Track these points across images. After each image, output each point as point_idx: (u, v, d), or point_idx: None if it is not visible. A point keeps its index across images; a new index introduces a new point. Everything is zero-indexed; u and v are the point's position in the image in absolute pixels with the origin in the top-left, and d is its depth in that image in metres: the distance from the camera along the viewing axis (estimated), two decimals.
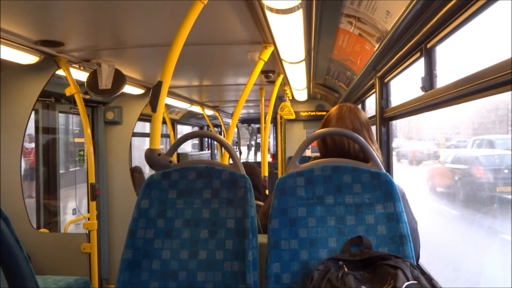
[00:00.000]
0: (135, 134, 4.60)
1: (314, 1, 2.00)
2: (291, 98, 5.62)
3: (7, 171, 2.80)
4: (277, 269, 1.38)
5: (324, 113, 6.66)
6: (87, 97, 3.23)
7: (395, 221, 1.37)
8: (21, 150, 2.83)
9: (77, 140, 3.80)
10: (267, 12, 1.94)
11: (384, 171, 1.45)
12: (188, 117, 7.10)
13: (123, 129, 4.20)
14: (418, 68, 2.22)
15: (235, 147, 10.13)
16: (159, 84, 1.57)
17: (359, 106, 4.75)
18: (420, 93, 2.16)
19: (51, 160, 3.82)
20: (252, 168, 2.95)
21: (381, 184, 1.41)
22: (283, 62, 3.09)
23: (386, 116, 2.98)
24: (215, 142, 9.09)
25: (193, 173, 1.56)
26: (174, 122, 6.64)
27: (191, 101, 5.62)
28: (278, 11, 1.89)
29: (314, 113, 6.77)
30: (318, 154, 1.71)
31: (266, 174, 3.65)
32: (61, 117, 4.05)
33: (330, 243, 1.39)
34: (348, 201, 1.42)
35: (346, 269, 1.22)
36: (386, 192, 1.40)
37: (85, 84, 2.92)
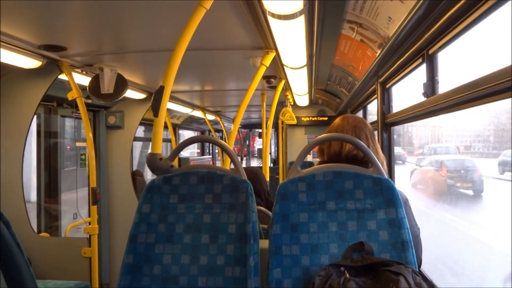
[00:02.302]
0: (136, 139, 4.61)
1: (316, 7, 2.01)
2: (292, 103, 5.62)
3: (8, 175, 2.80)
4: (278, 274, 1.37)
5: (326, 118, 6.67)
6: (89, 101, 3.24)
7: (397, 227, 1.37)
8: (23, 154, 2.83)
9: (78, 144, 3.80)
10: (269, 18, 1.95)
11: (386, 176, 1.45)
12: (189, 122, 7.11)
13: (124, 133, 4.20)
14: (420, 74, 2.23)
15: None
16: (161, 88, 1.57)
17: (361, 111, 4.77)
18: (422, 99, 2.16)
19: (52, 164, 3.82)
20: (255, 173, 2.95)
21: (383, 189, 1.41)
22: (284, 67, 3.10)
23: (387, 122, 2.98)
24: (216, 147, 9.10)
25: (195, 178, 1.56)
26: (175, 127, 6.65)
27: (193, 106, 5.63)
28: (280, 17, 1.90)
29: (315, 118, 6.78)
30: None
31: (268, 179, 3.65)
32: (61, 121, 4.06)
33: (332, 248, 1.38)
34: (349, 206, 1.42)
35: (347, 275, 1.22)
36: (388, 197, 1.40)
37: (87, 88, 2.92)
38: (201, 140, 5.64)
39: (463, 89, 1.63)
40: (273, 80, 3.57)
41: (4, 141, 2.81)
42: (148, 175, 5.94)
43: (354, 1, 2.04)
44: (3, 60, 2.33)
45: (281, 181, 5.39)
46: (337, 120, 1.78)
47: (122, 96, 2.95)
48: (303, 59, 2.87)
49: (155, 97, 1.58)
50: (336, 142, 1.66)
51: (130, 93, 3.67)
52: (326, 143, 1.68)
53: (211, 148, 10.33)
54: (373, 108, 4.14)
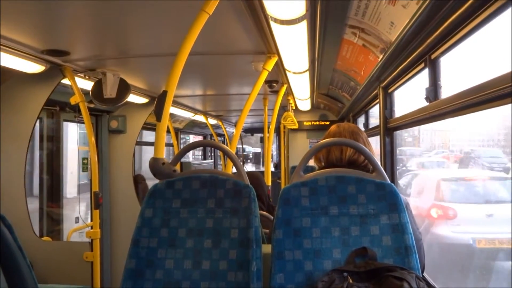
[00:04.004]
0: (138, 143, 4.62)
1: (318, 12, 2.01)
2: (294, 108, 5.62)
3: (11, 179, 2.81)
4: (281, 279, 1.37)
5: (328, 122, 6.67)
6: (92, 106, 3.25)
7: (400, 232, 1.36)
8: (25, 159, 2.83)
9: (81, 148, 3.81)
10: (272, 23, 1.96)
11: (389, 181, 1.45)
12: (191, 126, 7.12)
13: (126, 137, 4.21)
14: (422, 78, 2.23)
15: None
16: (164, 93, 1.58)
17: (363, 116, 4.77)
18: (425, 103, 2.16)
19: (55, 168, 3.83)
20: (256, 178, 2.95)
21: (386, 194, 1.41)
22: (286, 72, 3.11)
23: (390, 127, 2.98)
24: (218, 152, 9.10)
25: (197, 182, 1.56)
26: (177, 131, 6.66)
27: (195, 111, 5.64)
28: (282, 22, 1.91)
29: (317, 123, 6.77)
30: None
31: (269, 183, 3.64)
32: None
33: (335, 254, 1.38)
34: (352, 211, 1.42)
35: (350, 281, 1.21)
36: (391, 202, 1.40)
37: (90, 93, 2.93)
38: (204, 145, 5.66)
39: (465, 94, 1.63)
40: (275, 84, 3.58)
41: (7, 145, 2.81)
42: None
43: (356, 6, 2.05)
44: (7, 65, 2.34)
45: (283, 186, 5.38)
46: (333, 127, 1.80)
47: (124, 101, 2.96)
48: (305, 64, 2.88)
49: (158, 102, 1.58)
50: (336, 147, 1.66)
51: (133, 98, 3.68)
52: (324, 150, 1.69)
53: (213, 152, 10.33)
54: (375, 112, 4.14)
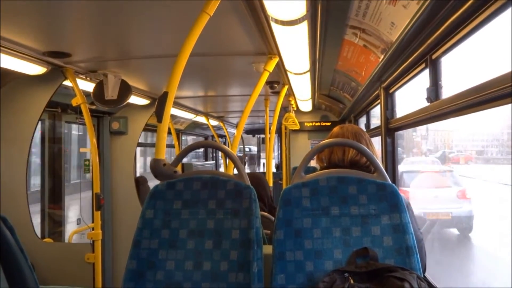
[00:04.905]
0: (140, 144, 4.62)
1: (319, 13, 2.02)
2: (295, 108, 5.63)
3: (13, 180, 2.81)
4: (282, 280, 1.37)
5: (329, 123, 6.67)
6: (93, 107, 3.25)
7: (401, 233, 1.36)
8: (27, 160, 2.84)
9: (82, 150, 3.81)
10: (272, 24, 1.96)
11: (390, 181, 1.44)
12: (193, 127, 7.13)
13: (128, 139, 4.22)
14: (423, 78, 2.23)
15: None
16: (165, 94, 1.58)
17: (364, 117, 4.77)
18: (426, 103, 2.16)
19: (56, 169, 3.83)
20: (258, 178, 2.95)
21: (387, 195, 1.41)
22: (288, 73, 3.11)
23: (391, 127, 2.98)
24: (220, 152, 9.10)
25: (198, 183, 1.56)
26: (179, 133, 6.66)
27: (196, 112, 5.64)
28: (283, 23, 1.91)
29: (318, 123, 6.78)
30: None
31: (271, 184, 3.64)
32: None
33: (336, 254, 1.38)
34: (353, 212, 1.42)
35: (351, 281, 1.21)
36: (392, 203, 1.40)
37: (92, 94, 2.93)
38: (205, 146, 5.68)
39: (466, 94, 1.63)
40: (276, 85, 3.58)
41: (9, 147, 2.82)
42: None
43: (357, 7, 2.05)
44: (8, 67, 2.34)
45: (284, 186, 5.37)
46: (336, 129, 1.80)
47: (126, 102, 2.96)
48: (306, 64, 2.88)
49: (159, 103, 1.59)
50: (338, 148, 1.66)
51: (134, 99, 3.69)
52: (327, 151, 1.68)
53: (215, 153, 10.33)
54: (376, 113, 4.14)
